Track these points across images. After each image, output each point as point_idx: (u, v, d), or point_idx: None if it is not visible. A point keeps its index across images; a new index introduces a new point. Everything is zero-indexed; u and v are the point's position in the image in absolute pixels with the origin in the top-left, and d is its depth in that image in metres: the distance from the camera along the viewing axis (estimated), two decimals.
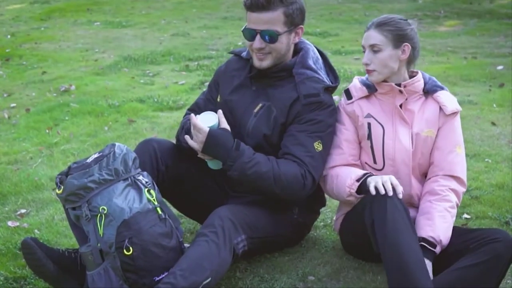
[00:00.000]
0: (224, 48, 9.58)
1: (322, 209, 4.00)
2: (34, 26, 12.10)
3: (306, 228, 3.70)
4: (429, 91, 3.39)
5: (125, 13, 13.30)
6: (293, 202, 3.51)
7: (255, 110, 3.45)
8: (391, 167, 3.36)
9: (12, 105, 6.93)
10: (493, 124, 5.91)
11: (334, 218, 3.72)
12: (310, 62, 3.46)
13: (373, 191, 3.06)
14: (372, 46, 3.29)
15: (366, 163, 3.44)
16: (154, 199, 3.15)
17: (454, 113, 3.38)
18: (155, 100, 6.77)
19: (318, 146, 3.37)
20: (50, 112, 6.52)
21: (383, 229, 2.97)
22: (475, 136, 5.57)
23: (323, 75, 3.46)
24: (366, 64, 3.31)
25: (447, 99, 3.38)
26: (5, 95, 7.38)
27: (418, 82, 3.37)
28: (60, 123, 6.21)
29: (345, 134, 3.45)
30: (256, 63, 3.41)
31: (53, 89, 7.45)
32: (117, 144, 3.23)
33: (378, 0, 14.45)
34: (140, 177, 3.19)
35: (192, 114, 3.30)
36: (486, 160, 5.04)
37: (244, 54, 3.60)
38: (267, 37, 3.31)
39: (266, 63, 3.39)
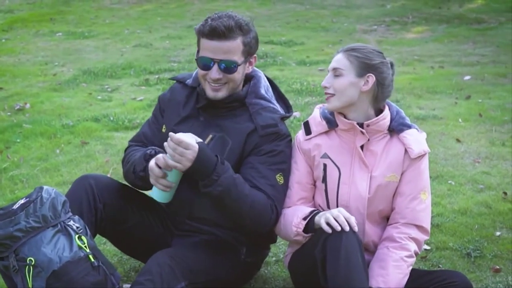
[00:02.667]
0: (187, 59, 9.37)
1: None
2: None
3: (255, 267, 3.50)
4: (395, 129, 3.13)
5: (88, 23, 13.03)
6: (241, 241, 3.31)
7: (206, 142, 3.24)
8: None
9: None
10: (458, 141, 5.76)
11: (286, 253, 3.51)
12: (263, 91, 3.30)
13: (327, 229, 2.86)
14: (334, 70, 3.07)
15: (319, 205, 3.23)
16: (85, 246, 2.94)
17: (421, 156, 3.13)
18: (111, 119, 6.53)
19: (280, 179, 3.20)
20: (2, 134, 6.25)
21: (336, 266, 2.80)
22: (439, 155, 5.41)
23: (276, 104, 3.30)
24: (325, 87, 3.10)
25: (414, 140, 3.11)
26: None
27: (383, 121, 3.11)
28: (12, 145, 5.95)
29: (297, 175, 3.24)
30: (210, 93, 3.20)
31: (7, 108, 7.18)
32: (45, 187, 3.01)
33: (346, 6, 14.34)
34: (71, 222, 2.98)
35: (171, 133, 2.97)
36: (449, 182, 4.87)
37: (189, 81, 3.39)
38: (225, 68, 3.12)
39: (221, 94, 3.20)
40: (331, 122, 3.16)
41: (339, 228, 2.84)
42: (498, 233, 4.06)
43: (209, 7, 14.04)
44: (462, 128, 6.14)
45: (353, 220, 2.87)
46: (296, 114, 6.49)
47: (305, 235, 3.05)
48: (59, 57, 9.89)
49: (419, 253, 3.13)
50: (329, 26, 12.05)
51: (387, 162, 3.11)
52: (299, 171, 3.22)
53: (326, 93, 3.11)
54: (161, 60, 9.45)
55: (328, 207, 3.17)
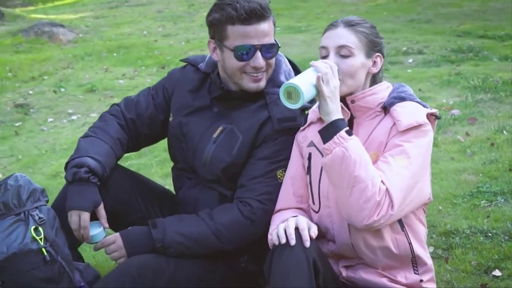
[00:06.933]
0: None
1: None
2: None
3: (260, 276, 3.10)
4: (386, 105, 2.61)
5: (312, 18, 12.89)
6: (241, 249, 2.95)
7: (215, 135, 2.97)
8: (327, 208, 2.66)
9: None
10: None
11: None
12: (282, 78, 2.97)
13: (275, 240, 2.45)
14: (340, 48, 2.60)
15: (309, 204, 2.78)
16: (41, 239, 2.76)
17: (414, 128, 2.51)
18: None
19: (281, 175, 2.87)
20: None
21: (271, 283, 2.39)
22: None
23: None
24: None
25: (405, 112, 2.54)
26: None
27: (373, 96, 2.63)
28: None
29: (291, 170, 2.82)
30: (252, 85, 2.90)
31: None
32: (16, 174, 2.89)
33: None
34: (35, 212, 2.82)
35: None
36: None
37: (201, 66, 3.10)
38: (268, 52, 2.86)
39: (263, 83, 2.92)
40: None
41: (283, 241, 2.40)
42: None
43: (441, 1, 13.25)
44: None
45: (306, 232, 2.41)
46: (455, 112, 5.83)
47: None
48: None
49: (376, 218, 2.41)
50: None
51: (370, 138, 2.59)
52: (294, 165, 2.82)
53: None
54: None
55: (313, 202, 2.73)
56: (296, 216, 2.55)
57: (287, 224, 2.43)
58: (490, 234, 3.60)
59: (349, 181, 2.42)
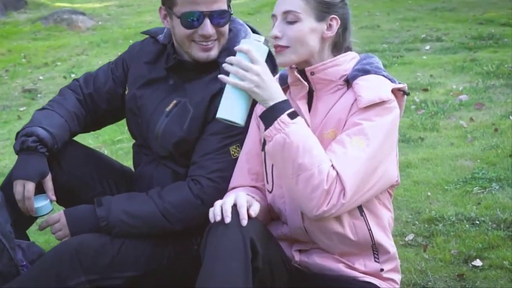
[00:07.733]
0: (402, 41, 8.59)
1: None
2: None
3: None
4: (349, 78, 2.35)
5: None
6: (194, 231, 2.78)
7: (168, 109, 2.80)
8: (279, 188, 2.46)
9: None
10: None
11: None
12: None
13: (210, 218, 2.22)
14: (286, 14, 2.34)
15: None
16: None
17: (376, 105, 2.26)
18: None
19: (235, 152, 2.68)
20: None
21: (205, 268, 2.16)
22: None
23: None
24: (276, 38, 2.35)
25: (368, 86, 2.29)
26: None
27: (335, 67, 2.36)
28: None
29: (247, 145, 2.61)
30: (201, 55, 2.72)
31: None
32: None
33: None
34: None
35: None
36: None
37: (160, 37, 2.93)
38: (218, 20, 2.66)
39: (214, 53, 2.72)
40: (284, 79, 2.49)
41: (217, 218, 2.18)
42: None
43: None
44: None
45: (244, 210, 2.18)
46: (462, 97, 5.59)
47: None
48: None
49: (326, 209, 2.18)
50: None
51: (329, 114, 2.35)
52: (250, 141, 2.60)
53: (277, 46, 2.38)
54: (375, 41, 8.78)
55: (267, 181, 2.51)
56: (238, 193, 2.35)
57: (224, 201, 2.22)
58: (477, 222, 3.39)
59: (294, 169, 2.20)
